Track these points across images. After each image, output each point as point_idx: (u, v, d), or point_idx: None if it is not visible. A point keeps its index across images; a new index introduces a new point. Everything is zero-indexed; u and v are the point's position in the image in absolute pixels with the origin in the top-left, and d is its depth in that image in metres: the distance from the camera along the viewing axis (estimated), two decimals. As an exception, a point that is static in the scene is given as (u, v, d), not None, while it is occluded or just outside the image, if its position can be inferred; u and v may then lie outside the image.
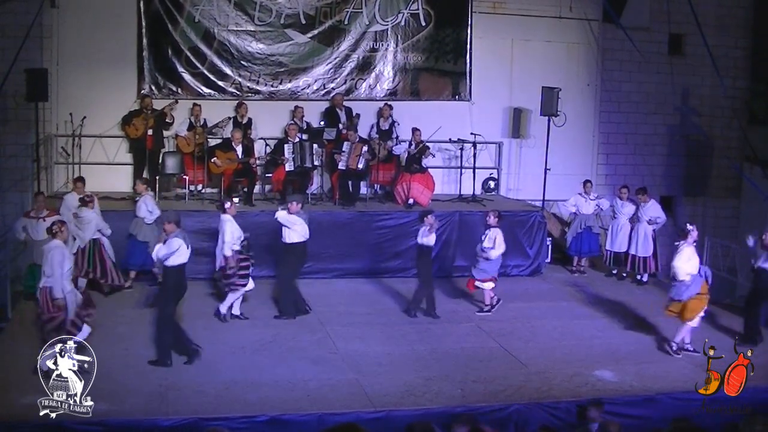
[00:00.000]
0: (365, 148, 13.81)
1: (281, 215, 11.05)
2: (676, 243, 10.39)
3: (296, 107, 14.63)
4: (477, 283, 11.68)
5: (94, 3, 14.12)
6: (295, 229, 11.07)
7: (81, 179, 12.06)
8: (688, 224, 10.52)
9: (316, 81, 15.10)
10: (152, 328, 9.80)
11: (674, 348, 10.31)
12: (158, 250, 9.39)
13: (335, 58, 15.12)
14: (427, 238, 11.35)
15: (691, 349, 10.17)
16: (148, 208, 11.88)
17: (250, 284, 11.10)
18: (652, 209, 13.51)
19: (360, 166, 13.76)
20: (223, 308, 11.02)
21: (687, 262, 10.11)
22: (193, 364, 9.29)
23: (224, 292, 11.13)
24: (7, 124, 13.90)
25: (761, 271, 10.76)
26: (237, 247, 10.90)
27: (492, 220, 11.62)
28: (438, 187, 14.83)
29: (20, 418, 7.55)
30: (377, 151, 14.13)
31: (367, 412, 8.23)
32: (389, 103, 14.99)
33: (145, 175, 13.86)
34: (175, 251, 9.29)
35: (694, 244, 10.34)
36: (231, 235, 10.83)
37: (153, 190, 13.51)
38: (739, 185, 17.25)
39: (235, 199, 11.88)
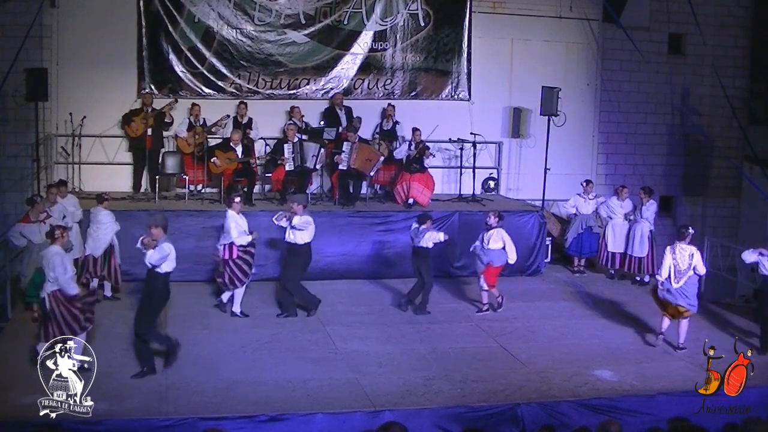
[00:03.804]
0: (381, 159, 13.75)
1: (297, 221, 10.90)
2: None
3: (292, 108, 14.60)
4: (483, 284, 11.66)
5: (94, 3, 14.11)
6: (309, 229, 11.05)
7: (59, 184, 11.67)
8: (690, 228, 10.56)
9: (315, 81, 15.10)
10: (137, 339, 9.20)
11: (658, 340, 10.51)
12: (150, 256, 8.81)
13: (335, 58, 15.12)
14: (425, 240, 11.34)
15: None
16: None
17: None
18: (650, 210, 13.47)
19: (371, 174, 13.77)
20: (236, 307, 11.11)
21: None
22: (192, 364, 9.26)
23: (225, 288, 11.13)
24: (7, 123, 13.90)
25: None
26: (244, 242, 10.91)
27: (492, 220, 11.57)
28: (438, 187, 14.82)
29: (20, 418, 7.54)
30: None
31: (367, 412, 8.23)
32: (392, 103, 14.99)
33: (145, 174, 13.90)
34: (167, 255, 8.87)
35: None
36: (235, 230, 10.84)
37: (153, 190, 13.52)
38: (739, 185, 17.26)
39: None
